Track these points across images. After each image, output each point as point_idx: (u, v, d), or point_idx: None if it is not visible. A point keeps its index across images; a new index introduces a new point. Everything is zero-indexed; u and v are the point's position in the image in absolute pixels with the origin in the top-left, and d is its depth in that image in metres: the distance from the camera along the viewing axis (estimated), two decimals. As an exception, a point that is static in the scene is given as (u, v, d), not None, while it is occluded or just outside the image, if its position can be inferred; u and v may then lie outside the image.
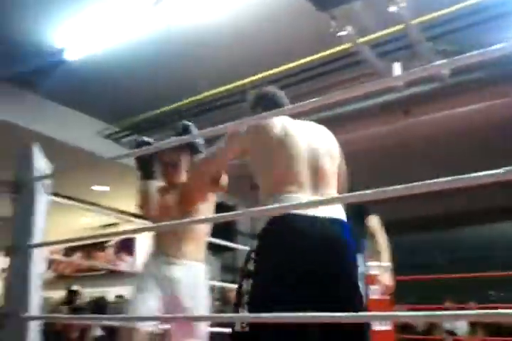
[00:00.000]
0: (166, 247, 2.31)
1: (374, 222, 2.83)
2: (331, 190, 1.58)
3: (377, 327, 4.26)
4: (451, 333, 5.85)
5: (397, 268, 3.72)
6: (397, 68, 4.64)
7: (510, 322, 4.98)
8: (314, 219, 1.43)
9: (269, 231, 1.47)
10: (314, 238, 1.41)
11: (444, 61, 1.18)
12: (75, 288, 8.60)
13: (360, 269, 2.78)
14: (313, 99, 1.27)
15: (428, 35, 4.32)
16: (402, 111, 5.72)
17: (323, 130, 1.87)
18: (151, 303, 2.14)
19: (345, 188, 1.69)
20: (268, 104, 1.86)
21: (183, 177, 2.43)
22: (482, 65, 4.99)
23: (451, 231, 8.39)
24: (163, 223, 1.89)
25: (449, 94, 5.33)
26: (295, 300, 1.30)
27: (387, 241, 2.78)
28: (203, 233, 2.42)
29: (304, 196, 1.48)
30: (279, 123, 1.70)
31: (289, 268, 1.39)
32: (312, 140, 1.72)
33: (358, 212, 2.90)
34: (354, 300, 1.45)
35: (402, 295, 3.95)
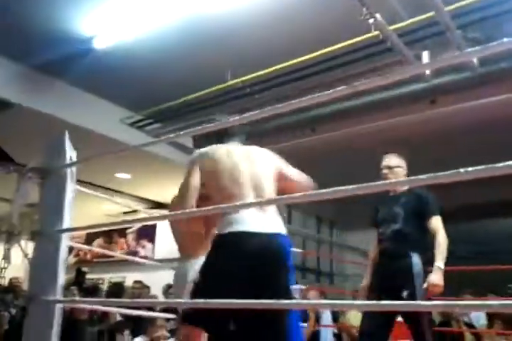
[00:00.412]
0: None
1: (434, 223, 2.87)
2: (273, 207, 1.91)
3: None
4: (470, 326, 5.79)
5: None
6: (425, 56, 4.54)
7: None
8: (253, 234, 1.77)
9: (216, 243, 1.86)
10: (250, 249, 1.76)
11: (475, 48, 1.13)
12: (84, 269, 8.75)
13: (417, 269, 2.79)
14: (340, 88, 1.24)
15: (458, 23, 4.20)
16: (429, 100, 5.62)
17: (262, 153, 2.18)
18: None
19: (296, 173, 2.08)
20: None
21: None
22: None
23: (475, 222, 8.29)
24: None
25: (479, 83, 5.21)
26: (221, 294, 1.40)
27: (446, 242, 2.80)
28: None
29: (248, 214, 1.82)
30: (225, 150, 2.14)
31: (223, 272, 1.77)
32: (253, 164, 2.07)
33: (419, 213, 2.89)
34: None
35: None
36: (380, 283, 2.94)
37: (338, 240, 9.86)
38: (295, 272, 1.91)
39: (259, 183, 2.00)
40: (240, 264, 1.76)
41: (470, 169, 0.98)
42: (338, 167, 6.96)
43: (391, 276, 2.86)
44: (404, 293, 2.75)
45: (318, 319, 5.53)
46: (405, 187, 3.03)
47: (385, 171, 3.08)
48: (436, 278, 2.70)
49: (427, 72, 4.73)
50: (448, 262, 2.75)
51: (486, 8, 4.28)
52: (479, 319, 5.96)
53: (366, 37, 4.32)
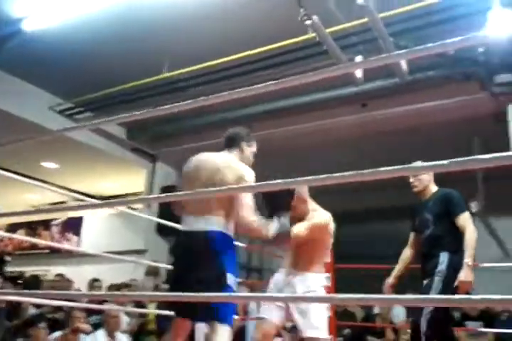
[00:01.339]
0: None
1: (461, 221, 2.92)
2: (213, 212, 2.25)
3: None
4: (390, 322, 6.06)
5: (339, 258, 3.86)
6: (359, 61, 4.70)
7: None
8: (185, 232, 2.30)
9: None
10: (183, 244, 2.31)
11: (402, 51, 1.20)
12: (7, 258, 8.33)
13: (441, 267, 2.84)
14: (272, 82, 1.26)
15: (390, 30, 4.39)
16: (361, 104, 5.83)
17: (223, 161, 2.36)
18: None
19: (243, 206, 2.22)
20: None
21: None
22: (440, 64, 5.13)
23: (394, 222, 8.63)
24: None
25: (407, 90, 5.47)
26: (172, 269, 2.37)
27: (475, 239, 2.85)
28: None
29: (189, 218, 2.30)
30: (192, 159, 2.43)
31: (171, 263, 2.39)
32: (207, 172, 2.32)
33: (446, 215, 2.97)
34: (205, 287, 2.00)
35: (343, 284, 4.06)
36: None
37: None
38: (229, 260, 2.21)
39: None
40: (177, 251, 2.37)
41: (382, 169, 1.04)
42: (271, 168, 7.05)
43: (421, 277, 2.94)
44: (423, 288, 2.87)
45: (246, 312, 5.59)
46: (430, 193, 3.12)
47: (411, 179, 3.15)
48: (464, 275, 2.73)
49: (359, 76, 4.90)
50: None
51: (418, 18, 4.50)
52: (399, 315, 6.24)
53: (302, 38, 4.40)
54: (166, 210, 7.74)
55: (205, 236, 2.23)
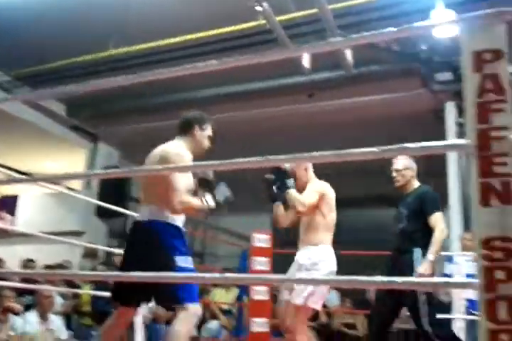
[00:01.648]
0: None
1: (433, 220, 3.05)
2: (155, 201, 2.33)
3: (255, 296, 4.47)
4: (324, 306, 6.28)
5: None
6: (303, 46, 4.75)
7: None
8: (134, 222, 2.45)
9: None
10: (130, 234, 2.41)
11: (346, 38, 1.23)
12: None
13: (417, 263, 2.94)
14: (213, 61, 1.27)
15: (339, 23, 4.46)
16: (307, 94, 5.91)
17: (160, 151, 2.40)
18: None
19: (170, 191, 2.26)
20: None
21: None
22: (384, 59, 5.28)
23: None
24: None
25: (353, 83, 5.59)
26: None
27: (442, 237, 3.00)
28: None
29: (139, 207, 2.45)
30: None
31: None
32: (148, 164, 2.40)
33: (421, 212, 3.07)
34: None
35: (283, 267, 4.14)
36: (388, 274, 3.06)
37: (212, 223, 10.02)
38: (174, 245, 2.26)
39: (145, 183, 2.42)
40: (126, 241, 2.48)
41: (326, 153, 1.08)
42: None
43: (397, 269, 3.01)
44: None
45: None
46: (412, 188, 3.19)
47: (394, 174, 3.23)
48: (422, 268, 2.90)
49: (306, 65, 4.96)
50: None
51: (365, 13, 4.60)
52: (333, 300, 6.45)
53: (252, 25, 4.40)
54: (107, 192, 7.57)
55: (146, 225, 2.32)
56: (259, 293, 4.48)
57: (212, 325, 5.61)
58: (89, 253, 6.73)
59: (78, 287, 5.39)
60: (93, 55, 5.19)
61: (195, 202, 2.31)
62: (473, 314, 3.90)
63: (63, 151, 8.12)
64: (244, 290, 5.03)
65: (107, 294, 4.30)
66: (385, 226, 4.01)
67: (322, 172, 3.09)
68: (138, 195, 2.51)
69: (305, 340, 2.79)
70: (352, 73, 5.32)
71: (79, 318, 5.21)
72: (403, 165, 3.20)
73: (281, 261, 4.19)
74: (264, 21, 4.20)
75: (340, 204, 3.07)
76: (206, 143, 2.49)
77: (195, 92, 5.96)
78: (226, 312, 5.80)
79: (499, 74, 0.97)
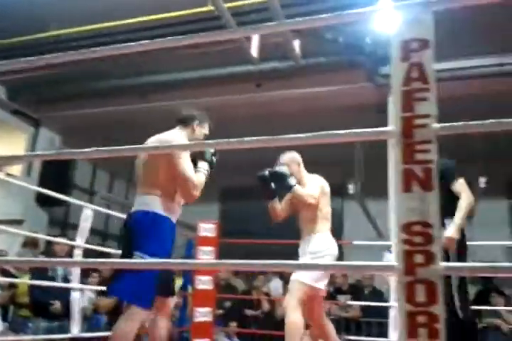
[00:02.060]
0: None
1: (457, 186, 3.05)
2: (143, 189, 2.36)
3: (199, 286, 4.47)
4: (267, 294, 6.35)
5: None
6: (255, 38, 4.74)
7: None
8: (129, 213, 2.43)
9: None
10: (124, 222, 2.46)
11: (292, 20, 1.24)
12: None
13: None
14: (158, 40, 1.25)
15: (287, 12, 4.46)
16: (255, 84, 5.91)
17: (156, 139, 2.42)
18: None
19: (182, 175, 2.27)
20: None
21: None
22: (330, 50, 5.34)
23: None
24: None
25: (301, 74, 5.63)
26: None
27: (468, 202, 3.00)
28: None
29: (136, 194, 2.41)
30: None
31: None
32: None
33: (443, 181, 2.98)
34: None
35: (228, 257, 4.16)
36: None
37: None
38: (147, 239, 2.23)
39: (139, 171, 2.42)
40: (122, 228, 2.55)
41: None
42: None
43: None
44: None
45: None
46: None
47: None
48: (449, 231, 2.90)
49: (254, 54, 4.94)
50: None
51: (313, 3, 4.62)
52: (277, 289, 6.55)
53: (201, 10, 4.34)
54: (48, 179, 7.30)
55: (132, 216, 2.36)
56: (204, 283, 4.47)
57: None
58: (30, 243, 6.50)
59: (15, 277, 5.20)
60: (33, 36, 4.96)
61: (201, 178, 2.35)
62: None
63: (2, 135, 7.78)
64: (188, 279, 5.01)
65: (45, 284, 4.20)
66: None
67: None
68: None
69: (297, 318, 2.80)
70: (300, 64, 5.35)
71: (16, 309, 5.03)
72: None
73: (228, 251, 4.22)
74: (212, 8, 4.14)
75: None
76: (201, 140, 2.55)
77: (139, 78, 5.83)
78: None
79: (424, 63, 0.99)
